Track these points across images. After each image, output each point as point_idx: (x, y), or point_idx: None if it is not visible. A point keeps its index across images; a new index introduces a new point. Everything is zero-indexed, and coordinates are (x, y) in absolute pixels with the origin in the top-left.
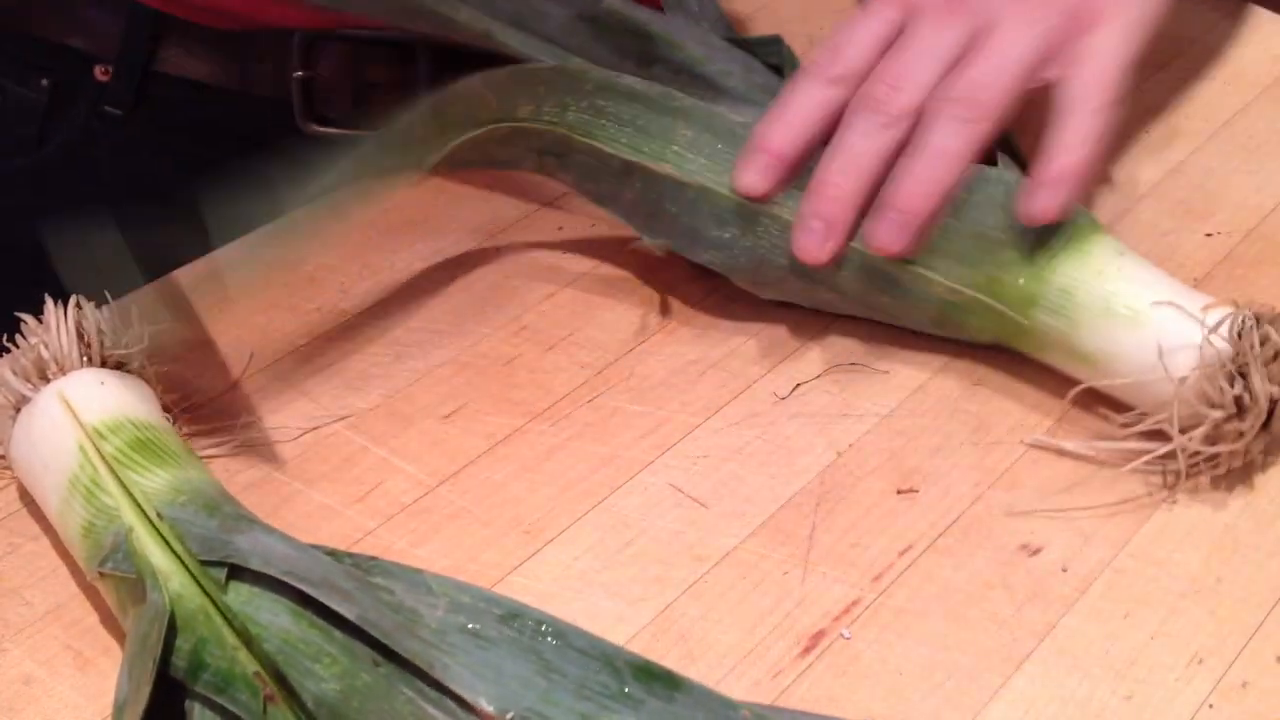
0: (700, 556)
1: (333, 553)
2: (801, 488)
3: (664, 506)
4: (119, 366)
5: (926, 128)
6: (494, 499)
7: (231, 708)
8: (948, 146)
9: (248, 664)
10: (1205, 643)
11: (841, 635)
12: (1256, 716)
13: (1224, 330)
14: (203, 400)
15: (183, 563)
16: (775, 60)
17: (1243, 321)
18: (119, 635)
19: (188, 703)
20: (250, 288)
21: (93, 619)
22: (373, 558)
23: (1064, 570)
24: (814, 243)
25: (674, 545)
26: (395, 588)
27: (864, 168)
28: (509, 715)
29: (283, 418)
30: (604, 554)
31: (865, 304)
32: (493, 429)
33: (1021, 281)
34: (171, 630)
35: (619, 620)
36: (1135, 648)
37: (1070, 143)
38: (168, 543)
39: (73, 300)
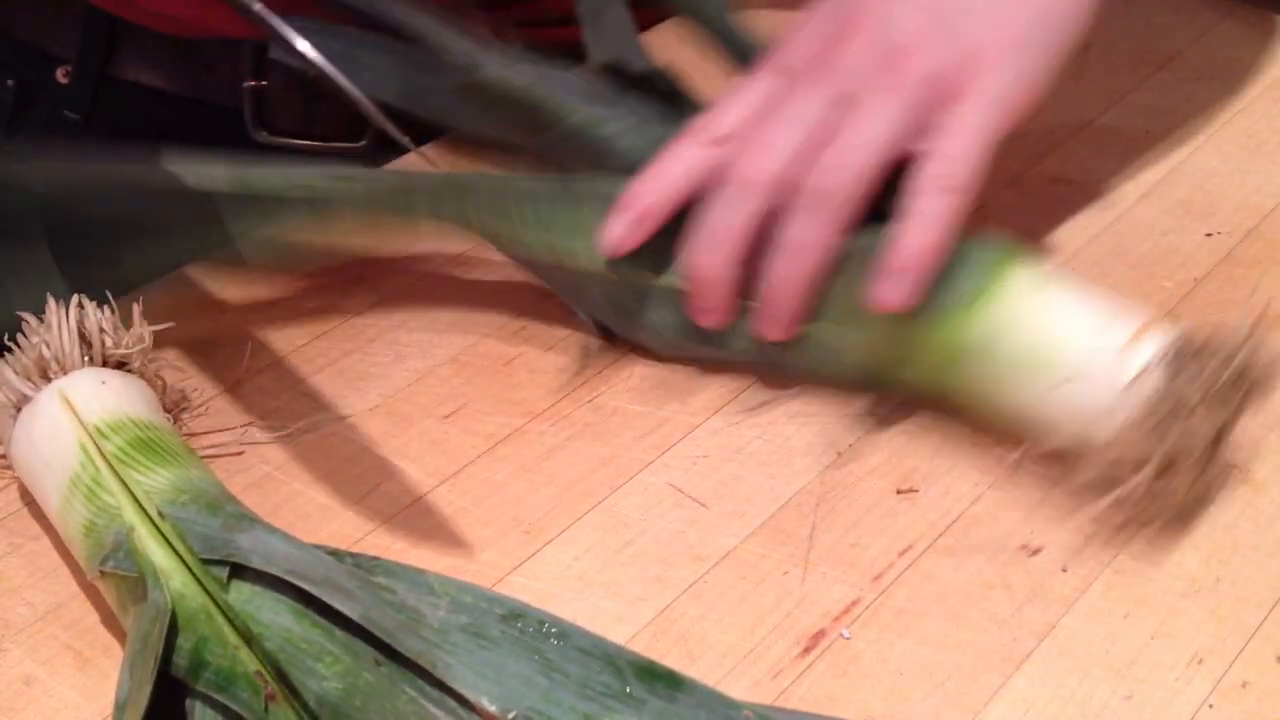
0: (700, 556)
1: (334, 552)
2: (801, 488)
3: (664, 506)
4: (120, 366)
5: (784, 219)
6: (494, 499)
7: (233, 706)
8: (804, 239)
9: (249, 663)
10: (1205, 643)
11: (841, 635)
12: (1256, 716)
13: (1158, 367)
14: (203, 400)
15: (184, 562)
16: (668, 89)
17: (1176, 356)
18: (119, 635)
19: (189, 702)
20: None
21: (93, 619)
22: (374, 557)
23: (1064, 570)
24: (705, 319)
25: (674, 545)
26: (397, 587)
27: (728, 242)
28: (511, 715)
29: (283, 418)
30: (604, 554)
31: (780, 365)
32: (493, 429)
33: (938, 339)
34: (173, 629)
35: (619, 620)
36: (1135, 648)
37: (918, 226)
38: (169, 542)
39: (74, 299)
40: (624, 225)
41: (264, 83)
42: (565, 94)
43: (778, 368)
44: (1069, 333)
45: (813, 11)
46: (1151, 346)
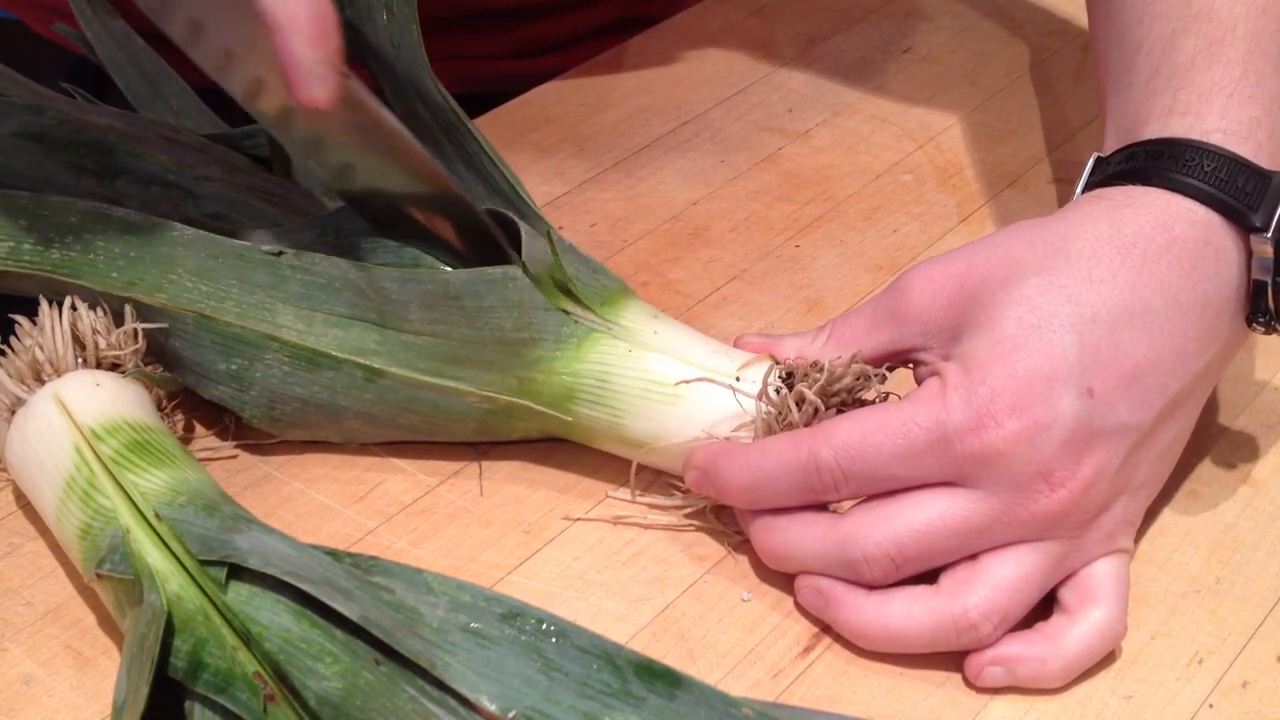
0: (700, 556)
1: (333, 553)
2: None
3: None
4: (114, 368)
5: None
6: (494, 499)
7: (232, 707)
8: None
9: (247, 664)
10: (1205, 643)
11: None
12: (1256, 716)
13: (761, 390)
14: (200, 400)
15: (181, 563)
16: (259, 152)
17: (778, 379)
18: (118, 635)
19: (187, 703)
20: None
21: (92, 619)
22: (373, 557)
23: None
24: None
25: (674, 545)
26: (396, 587)
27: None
28: (511, 714)
29: None
30: (604, 554)
31: (399, 426)
32: None
33: (553, 377)
34: (169, 631)
35: (619, 620)
36: (1135, 648)
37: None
38: (165, 543)
39: (67, 302)
40: (694, 478)
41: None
42: (144, 140)
43: (401, 429)
44: (680, 361)
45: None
46: (755, 372)
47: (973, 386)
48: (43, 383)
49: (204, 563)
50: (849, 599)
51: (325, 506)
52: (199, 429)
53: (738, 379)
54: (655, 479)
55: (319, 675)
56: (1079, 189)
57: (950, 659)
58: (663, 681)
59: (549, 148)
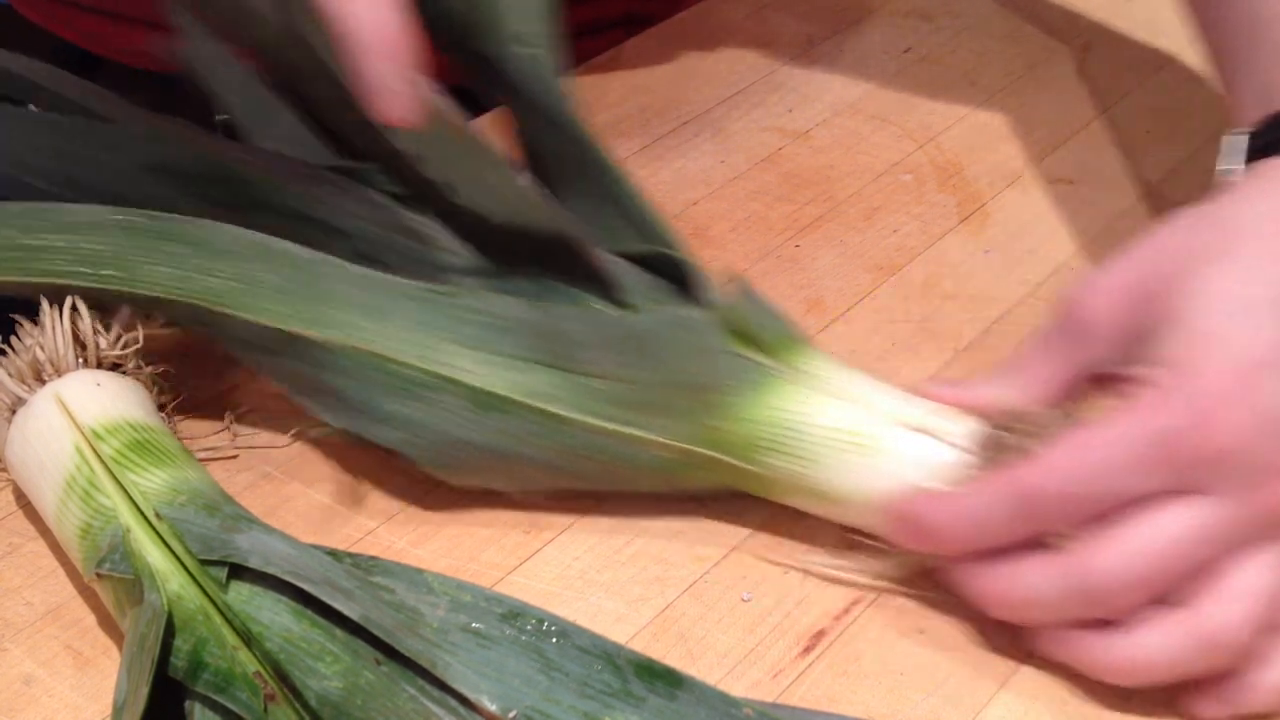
0: (700, 556)
1: (333, 552)
2: None
3: (664, 506)
4: (114, 368)
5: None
6: (494, 499)
7: (232, 707)
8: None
9: (248, 664)
10: None
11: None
12: (1256, 716)
13: (965, 441)
14: (200, 401)
15: (181, 563)
16: (391, 188)
17: (984, 430)
18: (118, 635)
19: (188, 703)
20: None
21: (92, 619)
22: (373, 557)
23: None
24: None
25: (674, 545)
26: (396, 587)
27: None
28: (512, 714)
29: (282, 418)
30: (604, 554)
31: (574, 474)
32: None
33: (740, 425)
34: (169, 631)
35: (619, 620)
36: None
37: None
38: (166, 543)
39: (68, 302)
40: (900, 530)
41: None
42: (280, 174)
43: (575, 477)
44: (875, 410)
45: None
46: (956, 423)
47: (1185, 387)
48: (43, 382)
49: (204, 562)
50: (1092, 638)
51: (325, 506)
52: (199, 429)
53: (937, 429)
54: (839, 535)
55: (319, 675)
56: (1222, 169)
57: (950, 658)
58: (663, 682)
59: None
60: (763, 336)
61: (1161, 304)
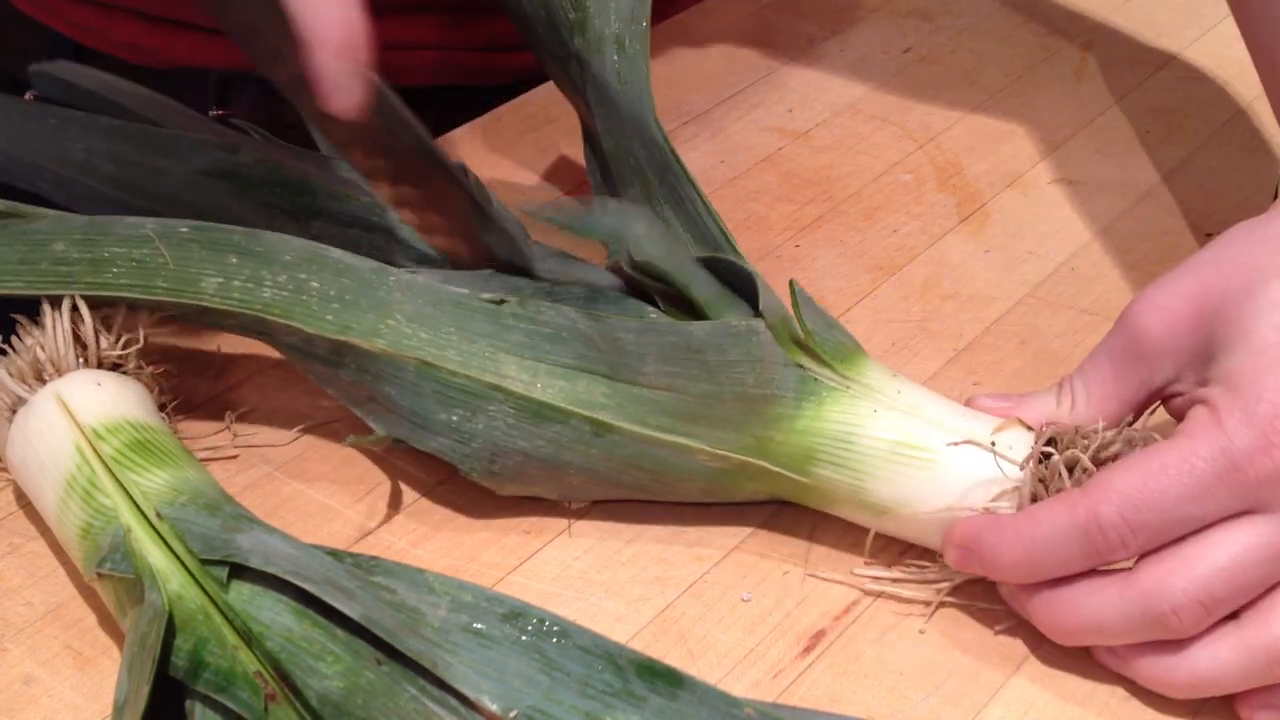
0: (700, 556)
1: (334, 552)
2: None
3: (664, 505)
4: (115, 368)
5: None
6: (494, 499)
7: (233, 706)
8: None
9: (248, 663)
10: None
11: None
12: None
13: (1022, 457)
14: (201, 401)
15: (182, 562)
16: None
17: (1039, 447)
18: (118, 635)
19: (188, 702)
20: None
21: (92, 619)
22: (374, 557)
23: None
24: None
25: (674, 545)
26: (397, 587)
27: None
28: (512, 713)
29: (282, 418)
30: (604, 554)
31: (623, 484)
32: None
33: (793, 437)
34: (170, 630)
35: (619, 620)
36: None
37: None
38: (166, 543)
39: (67, 302)
40: (957, 557)
41: (230, 111)
42: (340, 180)
43: (622, 487)
44: (930, 424)
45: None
46: (1013, 436)
47: (1249, 406)
48: (44, 382)
49: (205, 562)
50: (1151, 655)
51: (326, 506)
52: (199, 429)
53: (994, 444)
54: (886, 545)
55: (320, 675)
56: None
57: (950, 658)
58: (664, 681)
59: (549, 148)
60: (819, 348)
61: (1223, 320)
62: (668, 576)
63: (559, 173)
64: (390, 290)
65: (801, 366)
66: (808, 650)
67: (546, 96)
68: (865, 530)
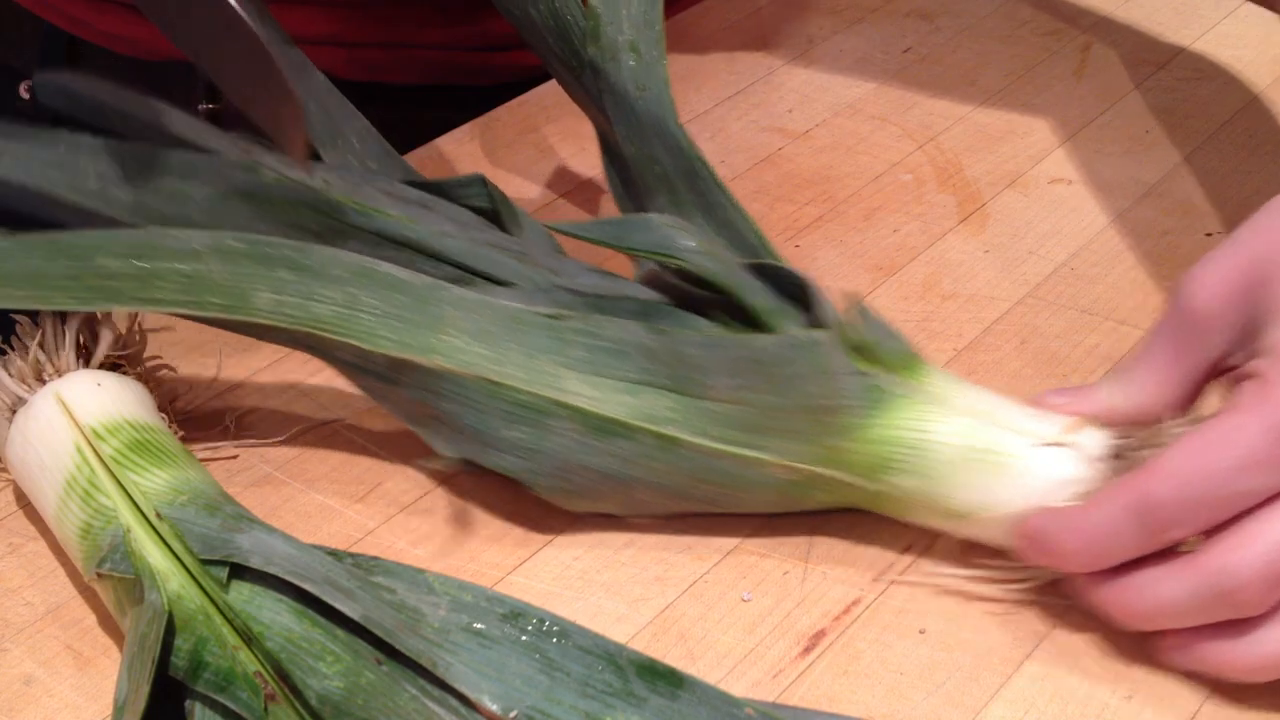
0: (700, 556)
1: (334, 552)
2: None
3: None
4: (115, 368)
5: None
6: (494, 499)
7: (233, 706)
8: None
9: (248, 663)
10: None
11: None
12: (1257, 716)
13: (1101, 454)
14: (201, 401)
15: (182, 562)
16: (481, 203)
17: (1116, 444)
18: (119, 635)
19: (188, 702)
20: None
21: (92, 619)
22: (374, 557)
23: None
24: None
25: (674, 545)
26: (397, 587)
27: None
28: (512, 714)
29: (282, 418)
30: (604, 554)
31: (691, 498)
32: None
33: (864, 445)
34: (170, 631)
35: (619, 620)
36: (1135, 648)
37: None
38: (166, 543)
39: None
40: (1024, 549)
41: (218, 105)
42: (368, 195)
43: (692, 500)
44: (1003, 426)
45: None
46: (1091, 435)
47: None
48: (44, 382)
49: (205, 562)
50: (1222, 641)
51: (325, 506)
52: (199, 429)
53: (1071, 444)
54: (955, 546)
55: (320, 674)
56: None
57: (950, 658)
58: (665, 681)
59: (549, 148)
60: (884, 355)
61: (1271, 291)
62: (668, 576)
63: (558, 173)
64: (444, 305)
65: (868, 375)
66: (808, 650)
67: (546, 96)
68: (865, 530)
